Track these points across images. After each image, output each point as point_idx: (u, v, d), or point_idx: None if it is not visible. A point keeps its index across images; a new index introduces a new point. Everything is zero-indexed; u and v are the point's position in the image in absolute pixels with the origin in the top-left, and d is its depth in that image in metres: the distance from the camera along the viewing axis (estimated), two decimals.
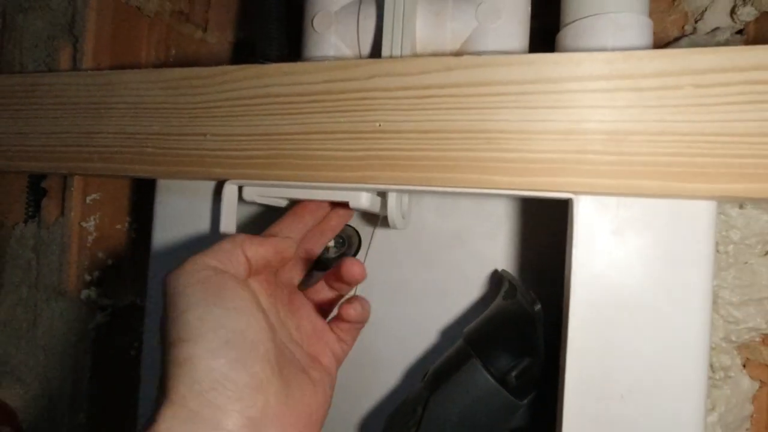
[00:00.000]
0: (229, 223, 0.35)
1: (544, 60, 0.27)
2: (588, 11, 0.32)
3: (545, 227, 0.37)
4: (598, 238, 0.28)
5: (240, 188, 0.35)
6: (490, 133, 0.28)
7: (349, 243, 0.42)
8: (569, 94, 0.27)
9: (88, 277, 0.42)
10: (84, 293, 0.41)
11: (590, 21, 0.31)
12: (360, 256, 0.41)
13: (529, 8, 0.34)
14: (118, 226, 0.45)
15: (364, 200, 0.33)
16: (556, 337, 0.32)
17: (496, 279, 0.38)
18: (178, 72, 0.34)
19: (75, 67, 0.41)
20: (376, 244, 0.41)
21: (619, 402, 0.28)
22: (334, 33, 0.37)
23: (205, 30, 0.53)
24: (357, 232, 0.42)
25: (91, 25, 0.41)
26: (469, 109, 0.29)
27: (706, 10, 0.41)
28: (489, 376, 0.32)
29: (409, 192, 0.31)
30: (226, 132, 0.33)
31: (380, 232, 0.42)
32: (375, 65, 0.30)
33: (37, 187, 0.43)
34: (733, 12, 0.39)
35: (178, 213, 0.37)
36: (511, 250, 0.38)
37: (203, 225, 0.37)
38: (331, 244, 0.41)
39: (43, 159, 0.38)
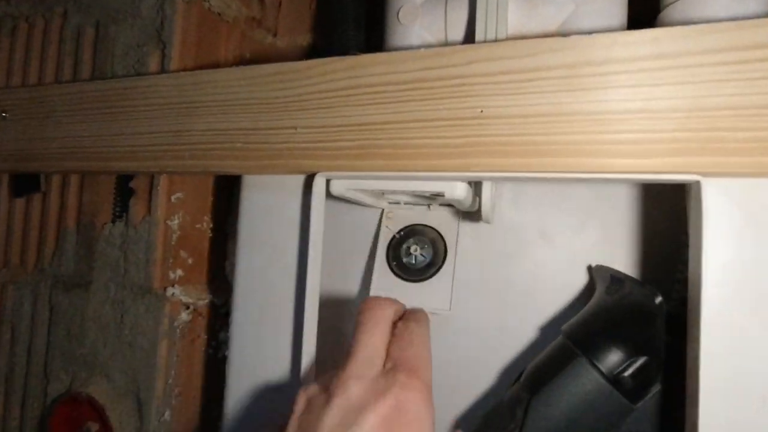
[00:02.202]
0: (317, 216, 0.34)
1: (666, 34, 0.25)
2: None
3: (644, 217, 0.35)
4: (731, 224, 0.25)
5: (327, 183, 0.35)
6: (603, 115, 0.27)
7: (434, 248, 0.41)
8: (692, 68, 0.25)
9: (172, 275, 0.42)
10: (169, 291, 0.41)
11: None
12: (449, 259, 0.40)
13: None
14: (198, 226, 0.45)
15: (459, 190, 0.32)
16: (673, 335, 0.30)
17: (593, 275, 0.36)
18: (268, 68, 0.35)
19: (163, 70, 0.42)
20: (460, 246, 0.40)
21: (761, 408, 0.25)
22: (420, 24, 0.36)
23: (275, 35, 0.54)
24: (440, 234, 0.41)
25: (179, 30, 0.42)
26: (579, 91, 0.27)
27: None
28: (599, 376, 0.30)
29: (511, 180, 0.30)
30: (316, 124, 0.33)
31: (464, 231, 0.40)
32: (473, 51, 0.29)
33: (124, 188, 0.44)
34: None
35: (264, 209, 0.38)
36: (603, 245, 0.36)
37: (290, 221, 0.37)
38: (417, 252, 0.40)
39: (135, 158, 0.39)
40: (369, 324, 0.28)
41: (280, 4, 0.54)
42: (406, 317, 0.31)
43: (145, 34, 0.44)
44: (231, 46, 0.48)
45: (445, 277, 0.40)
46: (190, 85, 0.38)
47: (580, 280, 0.37)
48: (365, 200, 0.38)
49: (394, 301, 0.32)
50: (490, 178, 0.31)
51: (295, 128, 0.34)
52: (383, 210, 0.43)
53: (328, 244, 0.38)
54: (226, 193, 0.49)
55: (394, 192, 0.35)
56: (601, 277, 0.34)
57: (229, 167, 0.36)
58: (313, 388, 0.27)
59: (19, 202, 0.49)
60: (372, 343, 0.28)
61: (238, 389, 0.37)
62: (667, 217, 0.34)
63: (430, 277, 0.40)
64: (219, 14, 0.46)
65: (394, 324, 0.30)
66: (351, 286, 0.42)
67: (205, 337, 0.45)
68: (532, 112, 0.28)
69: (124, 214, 0.44)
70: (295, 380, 0.35)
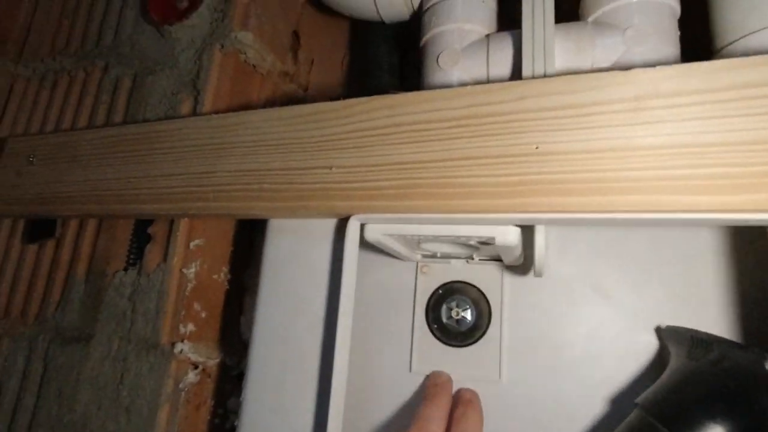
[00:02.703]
0: (350, 263, 0.31)
1: (745, 64, 0.23)
2: (757, 25, 0.28)
3: (725, 269, 0.31)
4: None
5: (362, 228, 0.32)
6: (678, 148, 0.24)
7: (477, 308, 0.37)
8: None
9: (182, 330, 0.38)
10: (178, 347, 0.37)
11: (762, 35, 0.28)
12: (494, 320, 0.35)
13: (677, 29, 0.32)
14: (215, 276, 0.42)
15: (512, 236, 0.28)
16: None
17: (663, 338, 0.31)
18: (305, 108, 0.34)
19: (195, 115, 0.42)
20: (507, 298, 0.36)
21: None
22: (460, 68, 0.35)
23: (306, 90, 0.54)
24: (482, 293, 0.37)
25: (214, 79, 0.42)
26: (648, 124, 0.25)
27: None
28: None
29: (572, 223, 0.27)
30: (353, 163, 0.31)
31: (509, 289, 0.36)
32: (525, 86, 0.28)
33: (141, 234, 0.42)
34: None
35: (290, 256, 0.34)
36: (667, 301, 0.32)
37: (318, 269, 0.33)
38: (458, 314, 0.36)
39: (158, 201, 0.37)
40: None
41: (312, 61, 0.55)
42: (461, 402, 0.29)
43: (180, 83, 0.44)
44: (263, 98, 0.48)
45: (491, 342, 0.36)
46: (220, 127, 0.37)
47: (646, 342, 0.32)
48: (399, 249, 0.35)
49: (441, 407, 0.30)
50: (548, 221, 0.27)
51: (330, 168, 0.32)
52: (417, 264, 0.39)
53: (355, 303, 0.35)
54: (246, 244, 0.46)
55: (435, 238, 0.32)
56: (676, 340, 0.30)
57: (256, 209, 0.33)
58: None
59: (31, 249, 0.47)
60: None
61: None
62: (759, 272, 0.30)
63: (476, 341, 0.36)
64: (254, 66, 0.47)
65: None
66: (382, 354, 0.37)
67: (212, 403, 0.40)
68: (595, 147, 0.26)
69: (138, 262, 0.41)
70: None
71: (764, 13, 0.28)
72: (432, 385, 0.33)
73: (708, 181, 0.23)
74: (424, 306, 0.38)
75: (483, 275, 0.38)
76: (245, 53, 0.45)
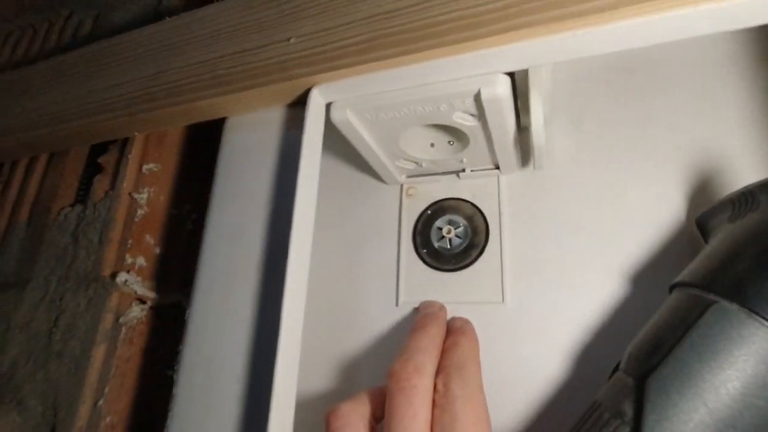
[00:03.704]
0: (313, 143, 0.26)
1: None
2: None
3: None
4: None
5: (328, 109, 0.27)
6: None
7: (472, 226, 0.31)
8: None
9: (130, 260, 0.33)
10: (121, 276, 0.32)
11: None
12: (493, 237, 0.30)
13: None
14: (174, 211, 0.37)
15: (502, 85, 0.23)
16: None
17: (702, 219, 0.25)
18: None
19: None
20: (506, 219, 0.30)
21: None
22: None
23: None
24: (477, 208, 0.32)
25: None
26: None
27: None
28: (761, 322, 0.18)
29: (576, 52, 0.22)
30: (314, 30, 0.27)
31: (507, 198, 0.31)
32: None
33: (94, 168, 0.38)
34: None
35: (245, 151, 0.30)
36: (708, 175, 0.26)
37: (276, 158, 0.28)
38: (452, 234, 0.31)
39: (105, 111, 0.33)
40: (404, 412, 0.23)
41: None
42: (445, 367, 0.24)
43: (144, 13, 0.41)
44: None
45: (491, 261, 0.30)
46: (174, 28, 0.33)
47: (675, 222, 0.26)
48: (374, 149, 0.30)
49: (430, 352, 0.25)
50: (544, 51, 0.22)
51: (288, 39, 0.27)
52: (402, 186, 0.34)
53: (332, 239, 0.30)
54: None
55: (413, 111, 0.26)
56: (717, 214, 0.24)
57: (208, 97, 0.29)
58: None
59: None
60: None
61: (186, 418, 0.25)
62: None
63: (472, 262, 0.31)
64: None
65: (435, 385, 0.24)
66: (366, 288, 0.31)
67: (164, 352, 0.34)
68: None
69: (87, 197, 0.36)
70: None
71: None
72: (422, 315, 0.27)
73: None
74: (411, 230, 0.33)
75: (476, 189, 0.33)
76: None
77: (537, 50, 0.22)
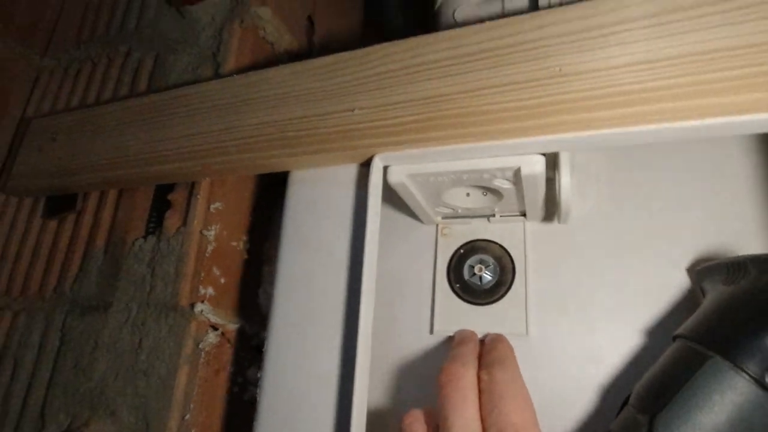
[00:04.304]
0: (375, 204, 0.31)
1: None
2: None
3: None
4: None
5: (385, 170, 0.32)
6: (712, 54, 0.24)
7: (501, 265, 0.36)
8: None
9: (202, 291, 0.38)
10: (197, 307, 0.36)
11: None
12: (519, 276, 0.35)
13: None
14: (234, 243, 0.42)
15: (538, 165, 0.28)
16: None
17: (697, 279, 0.30)
18: (325, 59, 0.34)
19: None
20: (530, 248, 0.35)
21: None
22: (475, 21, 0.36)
23: None
24: (505, 249, 0.37)
25: (233, 52, 0.44)
26: (677, 35, 0.25)
27: None
28: (745, 377, 0.22)
29: (596, 145, 0.26)
30: (375, 104, 0.31)
31: (533, 242, 0.36)
32: (545, 15, 0.28)
33: (162, 202, 0.42)
34: None
35: (312, 204, 0.34)
36: (706, 238, 0.31)
37: (341, 216, 0.33)
38: (480, 270, 0.36)
39: (179, 159, 0.37)
40: (455, 399, 0.26)
41: (325, 46, 0.56)
42: (487, 363, 0.28)
43: (201, 58, 0.45)
44: None
45: (516, 297, 0.35)
46: (242, 86, 0.37)
47: (680, 283, 0.31)
48: (420, 201, 0.34)
49: (471, 352, 0.29)
50: (574, 142, 0.27)
51: (352, 110, 0.32)
52: (437, 226, 0.39)
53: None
54: (265, 218, 0.46)
55: (458, 176, 0.31)
56: (710, 275, 0.28)
57: (278, 157, 0.33)
58: None
59: (51, 225, 0.47)
60: (464, 420, 0.25)
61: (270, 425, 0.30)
62: None
63: (500, 298, 0.35)
64: (271, 44, 0.48)
65: (480, 377, 0.27)
66: (403, 318, 0.36)
67: (232, 371, 0.39)
68: (619, 62, 0.26)
69: (158, 230, 0.41)
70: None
71: None
72: (459, 336, 0.32)
73: (742, 80, 0.23)
74: (446, 267, 0.38)
75: (505, 232, 0.37)
76: (264, 29, 0.46)
77: (567, 142, 0.27)
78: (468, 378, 0.27)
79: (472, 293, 0.36)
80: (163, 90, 0.45)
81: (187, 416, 0.34)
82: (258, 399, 0.30)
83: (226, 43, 0.44)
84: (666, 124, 0.24)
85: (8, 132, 0.53)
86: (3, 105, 0.53)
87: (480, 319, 0.35)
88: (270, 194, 0.46)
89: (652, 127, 0.24)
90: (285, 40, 0.49)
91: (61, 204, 0.47)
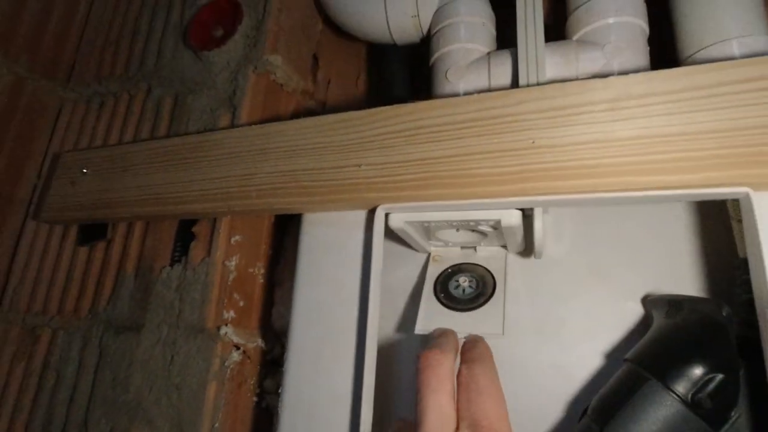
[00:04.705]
0: (378, 245, 0.36)
1: (698, 70, 0.29)
2: (712, 39, 0.35)
3: (697, 243, 0.36)
4: None
5: (387, 216, 0.37)
6: (646, 138, 0.30)
7: (483, 283, 0.41)
8: (725, 96, 0.29)
9: (225, 315, 0.43)
10: (222, 330, 0.42)
11: (716, 47, 0.34)
12: (498, 291, 0.40)
13: (647, 44, 0.38)
14: (251, 270, 0.47)
15: (515, 218, 0.34)
16: (746, 359, 0.29)
17: (648, 307, 0.36)
18: (334, 116, 0.39)
19: (233, 127, 0.48)
20: (509, 280, 0.41)
21: None
22: (464, 81, 0.41)
23: (324, 105, 0.60)
24: (488, 270, 0.42)
25: (248, 96, 0.48)
26: (623, 120, 0.30)
27: None
28: (674, 398, 0.29)
29: (565, 204, 0.32)
30: (379, 161, 0.37)
31: (513, 270, 0.42)
32: (524, 92, 0.34)
33: (185, 233, 0.47)
34: None
35: (324, 244, 0.40)
36: (660, 276, 0.37)
37: (351, 254, 0.38)
38: (465, 284, 0.41)
39: (205, 200, 0.42)
40: (432, 383, 0.27)
41: (329, 81, 0.61)
42: (467, 359, 0.29)
43: (218, 101, 0.50)
44: (288, 112, 0.54)
45: (495, 304, 0.38)
46: (259, 135, 0.42)
47: (634, 311, 0.37)
48: (416, 238, 0.40)
49: (451, 343, 0.30)
50: (544, 203, 0.33)
51: (359, 166, 0.37)
52: (429, 255, 0.45)
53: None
54: (276, 245, 0.51)
55: (449, 224, 0.37)
56: (656, 306, 0.35)
57: (295, 203, 0.39)
58: None
59: (82, 251, 0.52)
60: (440, 405, 0.26)
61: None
62: (721, 241, 0.35)
63: (480, 306, 0.39)
64: (281, 85, 0.53)
65: (459, 371, 0.28)
66: (396, 322, 0.42)
67: (252, 383, 0.44)
68: (581, 140, 0.31)
69: (183, 258, 0.46)
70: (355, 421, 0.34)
71: (716, 32, 0.34)
72: (440, 331, 0.33)
73: (673, 163, 0.29)
74: (433, 282, 0.42)
75: (489, 257, 0.43)
76: (275, 74, 0.51)
77: (539, 203, 0.32)
78: (447, 366, 0.27)
79: (454, 301, 0.39)
80: (185, 132, 0.50)
81: (216, 424, 0.40)
82: (278, 415, 0.36)
83: (242, 87, 0.49)
84: (616, 194, 0.30)
85: (37, 161, 0.58)
86: (31, 137, 0.57)
87: (461, 322, 0.37)
88: (280, 222, 0.52)
89: (605, 195, 0.30)
90: (293, 80, 0.54)
91: (91, 232, 0.52)
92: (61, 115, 0.60)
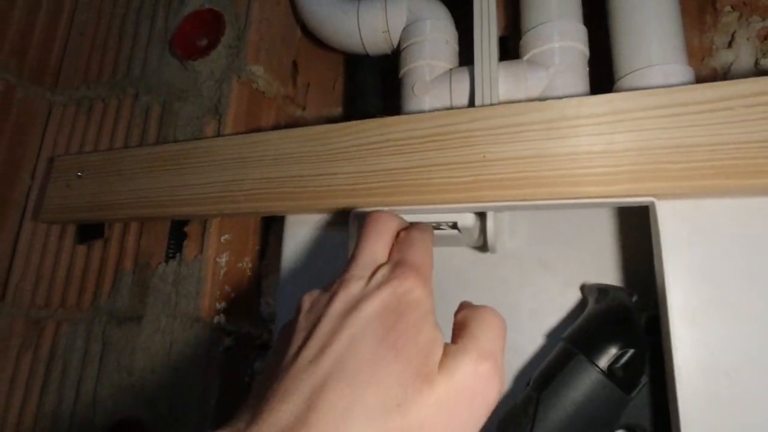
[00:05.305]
0: (352, 245, 0.42)
1: (619, 97, 0.35)
2: (639, 65, 0.40)
3: (625, 240, 0.42)
4: (680, 236, 0.33)
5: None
6: (575, 155, 0.35)
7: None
8: (639, 120, 0.34)
9: (218, 306, 0.48)
10: (215, 319, 0.47)
11: (642, 72, 0.40)
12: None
13: (587, 66, 0.43)
14: (239, 265, 0.52)
15: (469, 219, 0.39)
16: (657, 335, 0.36)
17: (584, 293, 0.42)
18: (313, 129, 0.44)
19: (219, 135, 0.52)
20: (468, 271, 0.47)
21: (727, 382, 0.31)
22: (430, 96, 0.46)
23: (303, 109, 0.64)
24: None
25: (233, 104, 0.52)
26: (557, 139, 0.36)
27: (731, 65, 0.49)
28: (596, 369, 0.35)
29: (510, 208, 0.38)
30: (352, 170, 0.42)
31: (471, 262, 0.47)
32: (476, 112, 0.39)
33: (178, 232, 0.52)
34: (756, 64, 0.48)
35: (305, 242, 0.45)
36: (595, 268, 0.43)
37: (327, 250, 0.44)
38: None
39: (195, 204, 0.47)
40: (372, 233, 0.28)
41: (308, 85, 0.65)
42: (408, 228, 0.31)
43: (203, 108, 0.54)
44: (270, 117, 0.58)
45: None
46: (244, 144, 0.47)
47: (574, 298, 0.43)
48: None
49: (400, 217, 0.32)
50: (493, 208, 0.38)
51: (335, 174, 0.42)
52: None
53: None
54: (262, 240, 0.56)
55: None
56: (591, 292, 0.41)
57: (279, 207, 0.44)
58: (316, 292, 0.27)
59: (81, 249, 0.56)
60: (374, 249, 0.28)
61: None
62: (645, 239, 0.42)
63: None
64: (263, 92, 0.57)
65: (398, 234, 0.30)
66: None
67: (242, 365, 0.50)
68: (523, 155, 0.37)
69: (177, 255, 0.51)
70: None
71: (643, 58, 0.40)
72: (371, 220, 0.31)
73: (596, 177, 0.35)
74: None
75: (448, 252, 0.49)
76: (257, 82, 0.55)
77: (490, 208, 0.38)
78: (390, 225, 0.29)
79: None
80: (173, 138, 0.54)
81: (212, 402, 0.45)
82: None
83: (227, 96, 0.53)
84: (551, 202, 0.36)
85: (30, 164, 0.61)
86: (23, 141, 0.60)
87: None
88: (265, 220, 0.57)
89: (543, 202, 0.36)
90: (274, 86, 0.58)
91: (88, 231, 0.56)
92: (51, 119, 0.62)
